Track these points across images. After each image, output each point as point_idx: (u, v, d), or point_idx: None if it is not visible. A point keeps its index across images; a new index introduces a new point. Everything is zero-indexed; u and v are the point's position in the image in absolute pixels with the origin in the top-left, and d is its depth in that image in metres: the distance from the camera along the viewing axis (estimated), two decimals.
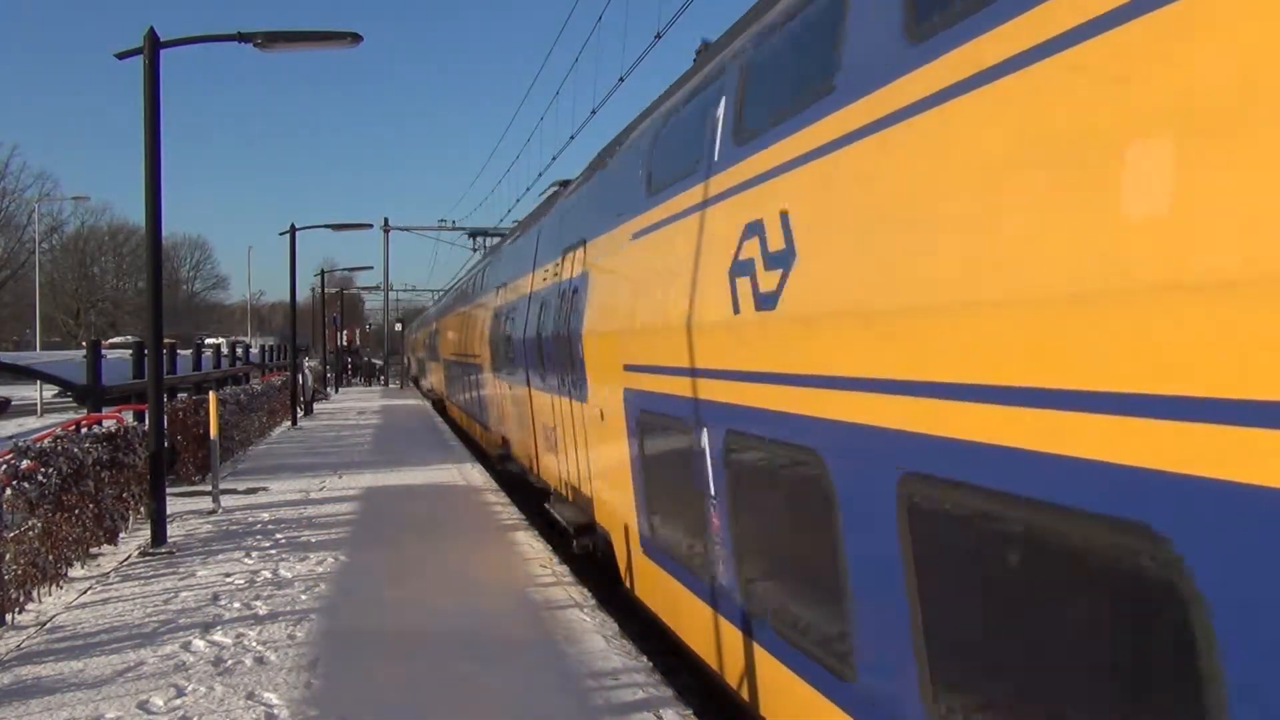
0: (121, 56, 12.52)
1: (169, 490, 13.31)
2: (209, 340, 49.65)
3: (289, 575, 10.51)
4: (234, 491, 16.37)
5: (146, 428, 13.13)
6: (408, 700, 6.89)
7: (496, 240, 34.64)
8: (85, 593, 9.99)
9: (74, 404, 22.39)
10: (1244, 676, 2.51)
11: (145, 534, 12.55)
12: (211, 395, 15.84)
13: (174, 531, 12.72)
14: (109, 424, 14.16)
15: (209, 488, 15.28)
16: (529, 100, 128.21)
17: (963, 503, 3.64)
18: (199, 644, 8.13)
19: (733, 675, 6.50)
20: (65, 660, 7.78)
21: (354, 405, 40.63)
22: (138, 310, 73.93)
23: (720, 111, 6.51)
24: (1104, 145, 2.93)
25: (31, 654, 7.97)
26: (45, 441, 11.32)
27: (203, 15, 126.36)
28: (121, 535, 12.70)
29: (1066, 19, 3.09)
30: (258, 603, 9.41)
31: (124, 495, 12.84)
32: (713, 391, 6.20)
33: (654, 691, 6.97)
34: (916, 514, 3.94)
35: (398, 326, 73.84)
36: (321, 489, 16.81)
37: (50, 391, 34.13)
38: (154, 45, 12.18)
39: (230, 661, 7.68)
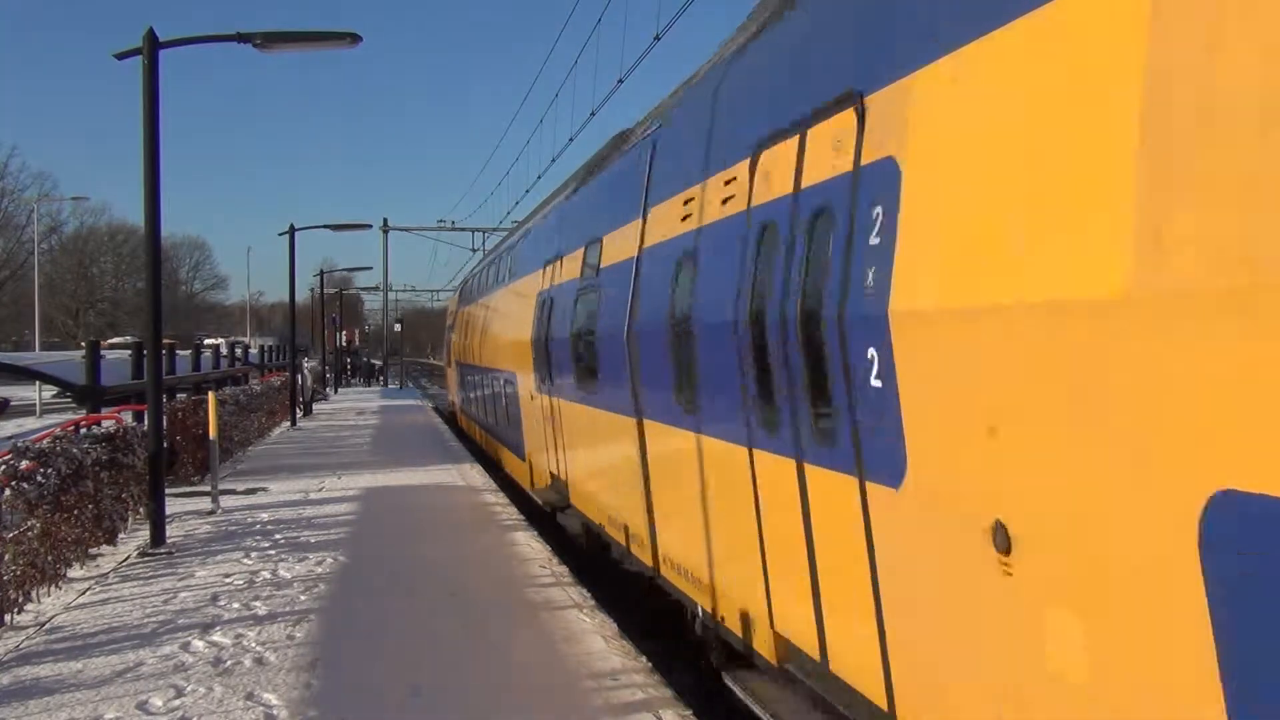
0: (120, 57, 12.50)
1: (168, 491, 13.31)
2: (208, 341, 49.60)
3: (288, 575, 10.50)
4: (233, 492, 16.36)
5: (146, 428, 13.12)
6: (404, 699, 6.89)
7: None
8: (84, 593, 9.99)
9: (73, 404, 22.35)
10: None
11: (144, 534, 12.55)
12: (211, 396, 15.84)
13: (173, 532, 12.71)
14: (108, 424, 14.15)
15: (208, 488, 15.27)
16: (529, 101, 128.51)
17: None
18: (198, 644, 8.13)
19: None
20: (64, 661, 7.77)
21: (353, 406, 40.61)
22: (137, 310, 73.90)
23: None
24: None
25: (30, 654, 7.96)
26: (44, 442, 11.30)
27: (202, 14, 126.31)
28: (120, 536, 12.69)
29: None
30: (257, 603, 9.40)
31: (123, 496, 12.82)
32: None
33: (654, 691, 6.96)
34: None
35: (397, 327, 73.76)
36: (321, 489, 16.80)
37: (49, 392, 34.07)
38: (153, 46, 12.17)
39: (229, 662, 7.68)
